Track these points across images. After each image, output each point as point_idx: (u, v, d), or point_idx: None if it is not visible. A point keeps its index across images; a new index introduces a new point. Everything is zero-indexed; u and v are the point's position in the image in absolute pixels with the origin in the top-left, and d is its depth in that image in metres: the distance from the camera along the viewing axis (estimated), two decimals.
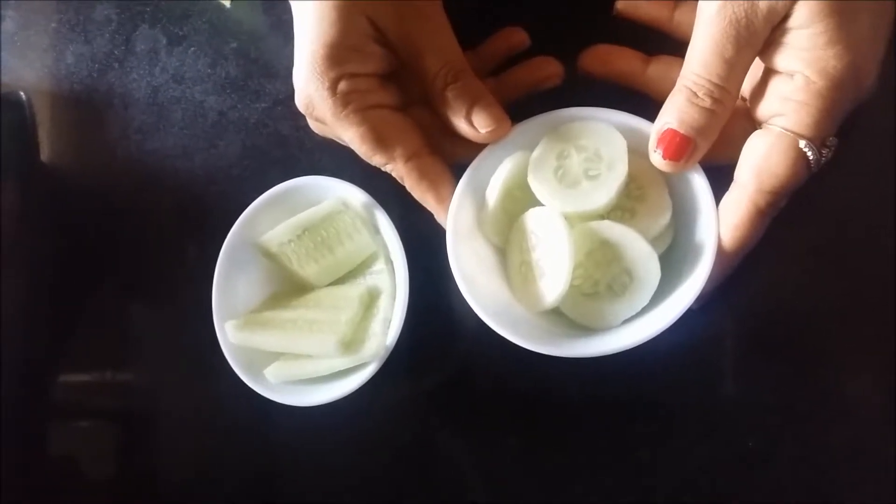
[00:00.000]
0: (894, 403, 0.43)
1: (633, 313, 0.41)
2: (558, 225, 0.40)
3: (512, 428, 0.48)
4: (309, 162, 0.52)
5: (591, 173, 0.41)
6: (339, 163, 0.47)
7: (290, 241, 0.48)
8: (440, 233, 0.44)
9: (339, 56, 0.41)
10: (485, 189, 0.44)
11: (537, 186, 0.42)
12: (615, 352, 0.39)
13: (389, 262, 0.47)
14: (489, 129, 0.41)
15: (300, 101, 0.43)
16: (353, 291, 0.47)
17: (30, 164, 0.58)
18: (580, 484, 0.47)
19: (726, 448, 0.45)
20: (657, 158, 0.38)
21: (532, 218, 0.43)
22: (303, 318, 0.46)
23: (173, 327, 0.55)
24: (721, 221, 0.38)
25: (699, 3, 0.36)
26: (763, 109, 0.37)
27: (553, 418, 0.48)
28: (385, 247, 0.47)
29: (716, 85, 0.36)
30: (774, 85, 0.37)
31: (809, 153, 0.36)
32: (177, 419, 0.55)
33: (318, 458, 0.52)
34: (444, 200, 0.43)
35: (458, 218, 0.43)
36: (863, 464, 0.44)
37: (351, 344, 0.44)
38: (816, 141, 0.36)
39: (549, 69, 0.45)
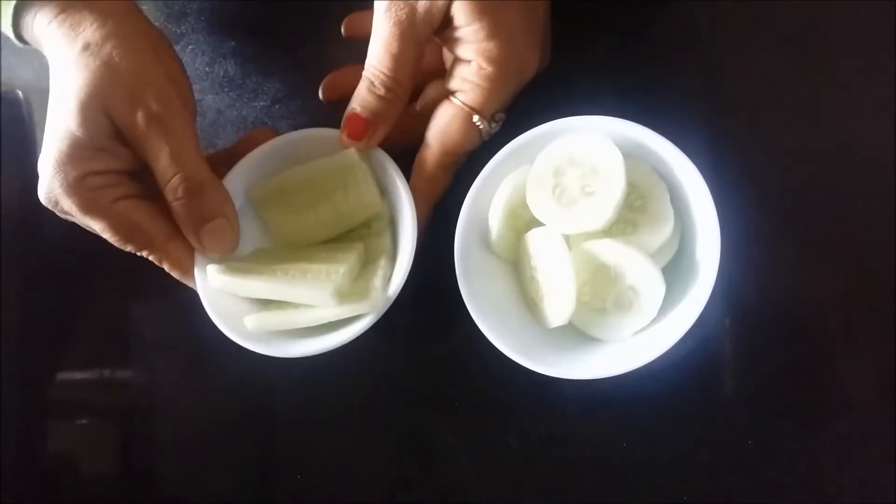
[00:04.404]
0: (894, 403, 0.43)
1: (643, 326, 0.41)
2: (559, 249, 0.41)
3: (511, 427, 0.49)
4: None
5: (588, 190, 0.40)
6: None
7: (290, 189, 0.46)
8: (452, 224, 0.44)
9: (82, 155, 0.42)
10: (488, 207, 0.44)
11: (536, 208, 0.42)
12: (623, 372, 0.39)
13: (392, 224, 0.46)
14: (214, 253, 0.44)
15: (43, 196, 0.43)
16: (352, 248, 0.45)
17: (28, 163, 0.58)
18: (579, 484, 0.47)
19: (726, 448, 0.45)
20: (343, 138, 0.44)
21: (533, 240, 0.43)
22: (295, 267, 0.43)
23: (170, 324, 0.55)
24: (416, 172, 0.45)
25: (374, 4, 0.42)
26: (450, 85, 0.44)
27: (552, 418, 0.48)
28: (390, 208, 0.46)
29: (387, 76, 0.42)
30: (458, 68, 0.43)
31: (480, 125, 0.43)
32: (174, 416, 0.55)
33: (316, 456, 0.52)
34: (191, 280, 0.46)
35: (467, 239, 0.43)
36: (863, 463, 0.44)
37: (348, 295, 0.42)
38: (486, 115, 0.43)
39: None
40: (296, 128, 0.53)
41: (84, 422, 0.58)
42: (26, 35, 0.45)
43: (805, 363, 0.45)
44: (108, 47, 0.42)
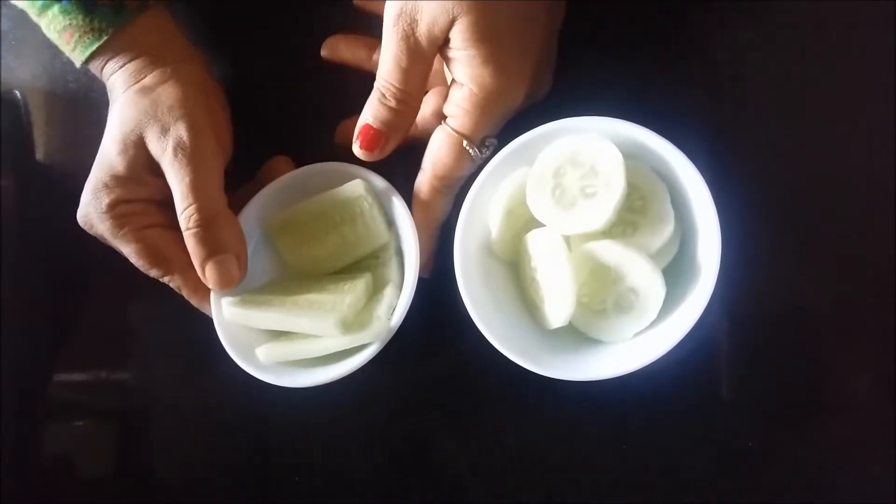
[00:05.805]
0: (893, 404, 0.43)
1: (643, 327, 0.41)
2: (558, 250, 0.41)
3: (510, 428, 0.49)
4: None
5: (588, 191, 0.40)
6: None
7: (301, 221, 0.47)
8: (451, 226, 0.44)
9: (117, 184, 0.46)
10: (488, 208, 0.44)
11: (536, 208, 0.42)
12: (623, 374, 0.40)
13: (399, 253, 0.47)
14: (215, 287, 0.46)
15: (80, 218, 0.47)
16: (359, 279, 0.46)
17: (26, 163, 0.58)
18: (579, 485, 0.47)
19: (726, 448, 0.45)
20: (356, 149, 0.45)
21: (534, 241, 0.43)
22: (304, 298, 0.45)
23: (169, 326, 0.55)
24: (413, 199, 0.46)
25: (384, 19, 0.42)
26: (444, 109, 0.44)
27: (552, 418, 0.48)
28: (397, 238, 0.47)
29: (398, 89, 0.43)
30: (452, 91, 0.43)
31: (470, 150, 0.43)
32: (172, 417, 0.55)
33: (314, 458, 0.52)
34: (207, 308, 0.48)
35: (467, 240, 0.43)
36: (862, 464, 0.44)
37: (352, 325, 0.43)
38: (475, 140, 0.43)
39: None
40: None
41: (83, 423, 0.58)
42: (93, 69, 0.48)
43: (805, 364, 0.45)
44: (159, 89, 0.46)
